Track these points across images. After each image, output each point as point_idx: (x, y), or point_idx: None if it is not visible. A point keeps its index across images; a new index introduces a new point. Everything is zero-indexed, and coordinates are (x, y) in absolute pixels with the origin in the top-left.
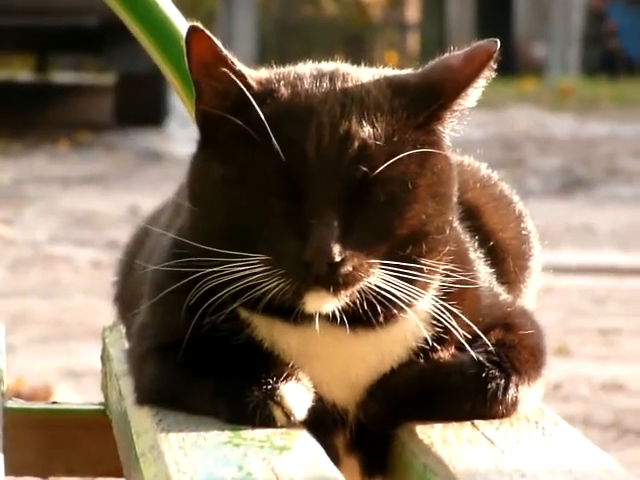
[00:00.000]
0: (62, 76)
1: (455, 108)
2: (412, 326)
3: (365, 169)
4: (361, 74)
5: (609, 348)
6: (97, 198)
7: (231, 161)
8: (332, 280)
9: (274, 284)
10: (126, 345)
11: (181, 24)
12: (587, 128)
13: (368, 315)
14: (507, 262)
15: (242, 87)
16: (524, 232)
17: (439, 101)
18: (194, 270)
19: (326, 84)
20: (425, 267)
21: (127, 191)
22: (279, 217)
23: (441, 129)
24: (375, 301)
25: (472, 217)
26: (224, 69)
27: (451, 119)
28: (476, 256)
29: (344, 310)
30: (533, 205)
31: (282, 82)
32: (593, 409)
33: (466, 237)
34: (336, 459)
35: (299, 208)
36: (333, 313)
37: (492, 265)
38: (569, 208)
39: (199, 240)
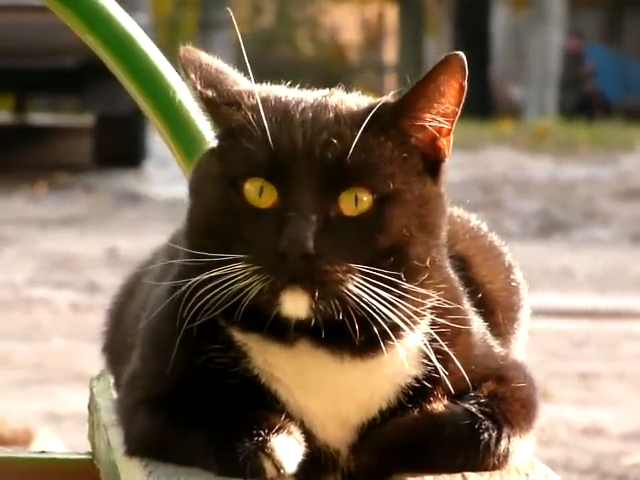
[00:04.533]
0: (40, 117)
1: (426, 121)
2: (401, 362)
3: (347, 169)
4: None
5: (589, 392)
6: (75, 240)
7: (225, 158)
8: (307, 275)
9: (252, 284)
10: (114, 395)
11: (166, 69)
12: (564, 171)
13: (352, 338)
14: (496, 314)
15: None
16: (513, 284)
17: (410, 113)
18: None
19: (307, 97)
20: (405, 291)
21: (105, 233)
22: (259, 214)
23: (418, 144)
24: (355, 317)
25: (462, 268)
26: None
27: (424, 135)
28: (469, 306)
29: (326, 327)
30: (511, 248)
31: (268, 93)
32: (573, 453)
33: (460, 285)
34: None
35: (279, 205)
36: (317, 330)
37: (482, 317)
38: (547, 251)
39: (190, 244)
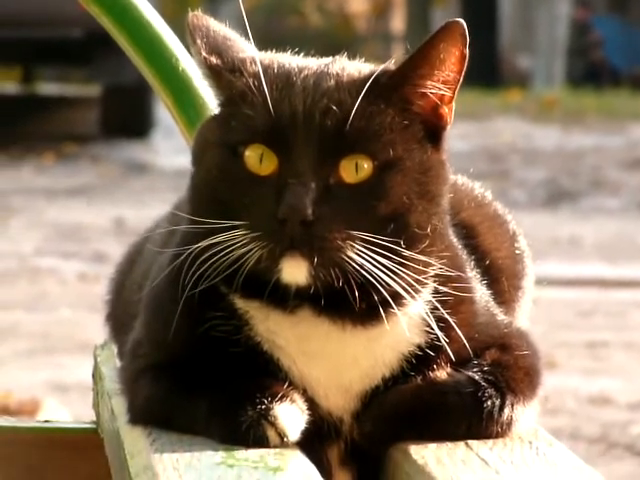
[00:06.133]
0: (48, 88)
1: (427, 88)
2: (403, 330)
3: (347, 136)
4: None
5: (596, 361)
6: (82, 210)
7: (225, 125)
8: (306, 242)
9: (252, 250)
10: (118, 364)
11: (170, 38)
12: (572, 140)
13: (352, 306)
14: (501, 282)
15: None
16: (518, 252)
17: (410, 80)
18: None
19: (310, 64)
20: (406, 258)
21: (112, 203)
22: (259, 181)
23: (419, 111)
24: (355, 284)
25: (467, 237)
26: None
27: (427, 102)
28: (473, 274)
29: (326, 294)
30: (518, 217)
31: (271, 60)
32: (580, 422)
33: (463, 253)
34: (329, 472)
35: (279, 171)
36: (318, 297)
37: (487, 285)
38: (554, 220)
39: (192, 211)
